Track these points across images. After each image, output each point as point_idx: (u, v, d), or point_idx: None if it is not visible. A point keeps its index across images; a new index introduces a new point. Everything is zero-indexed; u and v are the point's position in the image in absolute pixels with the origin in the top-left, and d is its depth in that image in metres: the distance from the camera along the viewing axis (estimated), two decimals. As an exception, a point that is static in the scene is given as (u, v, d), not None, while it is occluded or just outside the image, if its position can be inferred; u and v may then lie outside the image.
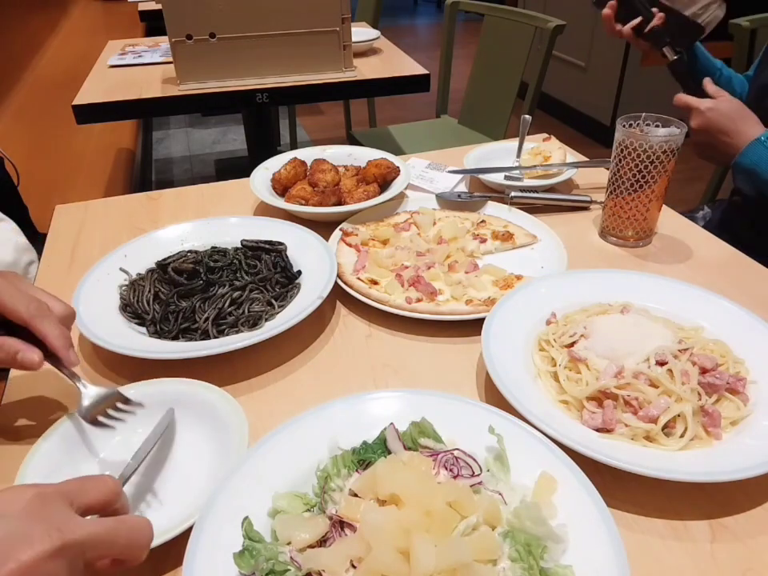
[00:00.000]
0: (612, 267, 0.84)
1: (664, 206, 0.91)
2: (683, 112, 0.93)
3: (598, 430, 0.56)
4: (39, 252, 0.95)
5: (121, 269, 0.79)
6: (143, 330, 0.72)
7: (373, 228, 0.91)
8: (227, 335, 0.70)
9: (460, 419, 0.55)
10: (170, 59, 1.58)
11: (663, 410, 0.55)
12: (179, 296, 0.74)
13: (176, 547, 0.46)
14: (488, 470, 0.50)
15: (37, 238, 1.04)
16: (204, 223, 0.89)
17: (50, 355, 0.55)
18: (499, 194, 1.00)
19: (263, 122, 1.99)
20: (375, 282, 0.79)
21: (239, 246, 0.83)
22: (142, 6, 2.63)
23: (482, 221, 0.93)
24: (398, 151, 1.92)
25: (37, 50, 2.76)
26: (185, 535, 0.46)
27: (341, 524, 0.45)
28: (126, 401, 0.57)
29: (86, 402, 0.56)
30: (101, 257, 0.81)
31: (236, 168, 3.09)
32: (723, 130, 0.89)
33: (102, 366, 0.69)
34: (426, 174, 1.11)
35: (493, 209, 0.97)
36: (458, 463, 0.49)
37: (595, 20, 3.21)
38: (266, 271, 0.78)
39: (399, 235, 0.89)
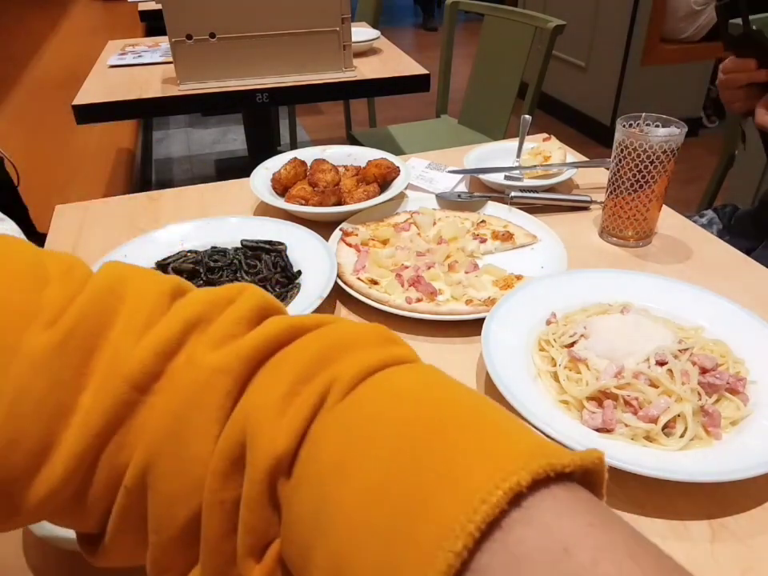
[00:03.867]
0: (612, 267, 0.84)
1: (664, 205, 0.91)
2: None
3: (597, 430, 0.56)
4: (39, 252, 0.95)
5: (121, 269, 0.79)
6: (143, 329, 0.72)
7: (373, 228, 0.91)
8: (227, 335, 0.70)
9: (460, 419, 0.55)
10: (170, 59, 1.57)
11: (663, 410, 0.55)
12: (179, 296, 0.74)
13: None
14: (488, 470, 0.50)
15: (37, 238, 1.04)
16: (204, 223, 0.89)
17: None
18: (499, 194, 1.00)
19: (263, 122, 1.99)
20: (375, 282, 0.79)
21: (239, 245, 0.83)
22: (142, 6, 2.62)
23: (482, 221, 0.93)
24: (398, 151, 1.92)
25: (37, 50, 2.76)
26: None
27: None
28: None
29: None
30: (101, 257, 0.81)
31: (236, 168, 3.09)
32: None
33: (102, 365, 0.69)
34: (426, 174, 1.10)
35: (493, 209, 0.97)
36: (458, 463, 0.49)
37: (595, 20, 3.21)
38: (266, 271, 0.78)
39: (399, 235, 0.89)
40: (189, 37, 1.49)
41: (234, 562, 0.25)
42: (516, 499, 0.19)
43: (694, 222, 1.00)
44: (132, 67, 1.80)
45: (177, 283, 0.29)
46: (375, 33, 2.00)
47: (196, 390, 0.25)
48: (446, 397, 0.24)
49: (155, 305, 0.28)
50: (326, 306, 0.77)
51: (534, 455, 0.20)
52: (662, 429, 0.55)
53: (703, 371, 0.59)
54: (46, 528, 0.47)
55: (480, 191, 1.04)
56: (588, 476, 0.22)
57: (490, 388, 0.62)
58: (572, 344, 0.64)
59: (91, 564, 0.30)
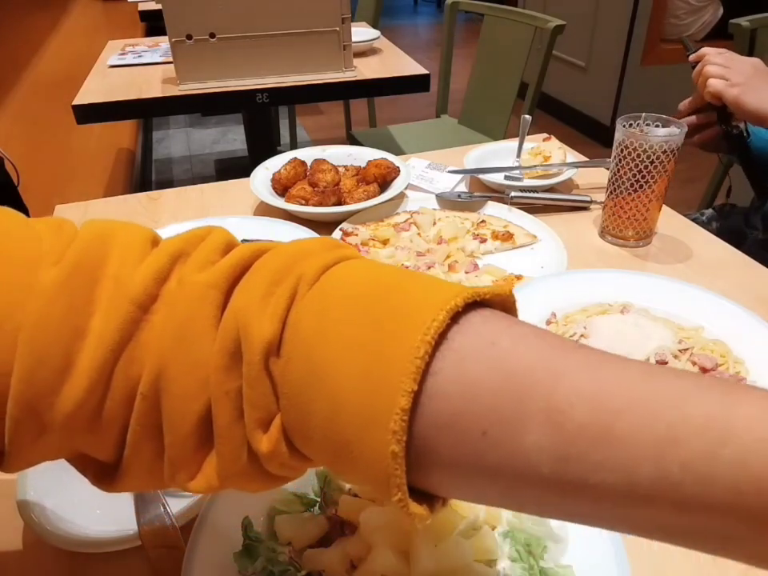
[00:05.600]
0: (612, 267, 0.84)
1: (664, 205, 0.91)
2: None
3: (598, 430, 0.56)
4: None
5: (121, 269, 0.79)
6: (143, 329, 0.72)
7: (373, 228, 0.91)
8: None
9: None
10: (170, 59, 1.57)
11: (663, 409, 0.55)
12: (179, 296, 0.74)
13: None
14: (488, 470, 0.50)
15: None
16: (204, 223, 0.89)
17: None
18: (499, 194, 1.00)
19: (263, 122, 1.99)
20: (375, 282, 0.79)
21: (239, 245, 0.83)
22: (142, 6, 2.62)
23: (482, 221, 0.93)
24: (398, 151, 1.91)
25: (37, 50, 2.76)
26: (185, 530, 0.46)
27: (341, 524, 0.45)
28: None
29: None
30: (101, 257, 0.81)
31: (236, 168, 3.09)
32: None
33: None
34: (426, 174, 1.10)
35: (493, 209, 0.97)
36: (458, 463, 0.49)
37: (595, 20, 3.21)
38: (266, 271, 0.78)
39: (399, 235, 0.89)
40: (189, 37, 1.49)
41: (244, 444, 0.30)
42: (456, 318, 0.26)
43: (694, 220, 1.00)
44: (132, 67, 1.80)
45: (154, 234, 0.35)
46: (375, 33, 2.00)
47: (192, 303, 0.30)
48: (389, 272, 0.31)
49: (141, 247, 0.32)
50: (326, 306, 0.77)
51: (464, 290, 0.27)
52: (662, 429, 0.55)
53: (703, 371, 0.59)
54: (45, 526, 0.47)
55: (480, 191, 1.04)
56: (508, 311, 0.30)
57: (490, 388, 0.62)
58: (572, 344, 0.64)
59: (108, 492, 0.32)
